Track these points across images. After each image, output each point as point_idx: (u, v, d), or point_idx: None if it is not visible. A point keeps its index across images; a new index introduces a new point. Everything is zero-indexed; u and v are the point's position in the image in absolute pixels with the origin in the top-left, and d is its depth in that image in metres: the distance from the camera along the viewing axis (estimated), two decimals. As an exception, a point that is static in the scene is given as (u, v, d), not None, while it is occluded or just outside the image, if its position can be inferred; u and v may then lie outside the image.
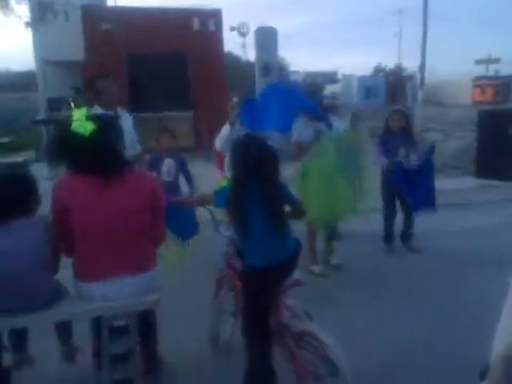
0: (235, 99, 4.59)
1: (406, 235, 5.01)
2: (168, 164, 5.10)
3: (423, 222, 5.52)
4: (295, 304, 2.71)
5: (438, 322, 3.55)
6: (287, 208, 2.61)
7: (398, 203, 5.05)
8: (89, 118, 2.29)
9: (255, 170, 2.40)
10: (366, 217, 4.49)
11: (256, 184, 2.40)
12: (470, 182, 8.49)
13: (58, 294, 2.53)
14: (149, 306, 2.71)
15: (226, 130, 4.51)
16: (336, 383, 2.31)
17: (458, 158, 11.28)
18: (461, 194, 7.39)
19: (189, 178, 5.15)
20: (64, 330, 2.82)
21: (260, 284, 2.51)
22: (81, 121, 2.26)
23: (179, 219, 4.25)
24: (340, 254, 4.70)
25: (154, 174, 5.04)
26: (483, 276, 4.09)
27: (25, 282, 2.34)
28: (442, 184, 8.24)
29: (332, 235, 4.79)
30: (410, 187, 4.77)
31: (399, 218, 5.09)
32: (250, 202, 2.40)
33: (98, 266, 2.38)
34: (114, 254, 2.35)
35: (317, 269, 4.60)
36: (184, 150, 4.61)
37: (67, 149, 2.27)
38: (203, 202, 2.86)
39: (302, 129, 4.59)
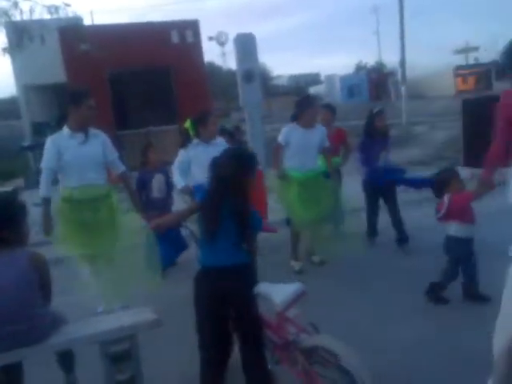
0: (188, 122, 4.54)
1: (401, 238, 4.98)
2: (158, 180, 5.04)
3: (418, 216, 5.50)
4: (298, 314, 2.63)
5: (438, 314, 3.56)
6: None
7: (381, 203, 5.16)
8: None
9: (229, 188, 2.45)
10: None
11: (230, 200, 2.45)
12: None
13: (54, 324, 2.49)
14: (149, 326, 2.67)
15: (180, 155, 4.55)
16: None
17: (445, 149, 11.33)
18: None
19: (170, 191, 5.11)
20: (65, 360, 2.76)
21: (210, 284, 2.49)
22: None
23: (166, 241, 4.28)
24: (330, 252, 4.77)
25: (145, 193, 5.01)
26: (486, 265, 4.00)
27: (17, 318, 2.28)
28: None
29: (315, 235, 4.94)
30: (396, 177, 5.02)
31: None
32: (223, 213, 2.45)
33: None
34: None
35: (296, 265, 4.71)
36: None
37: None
38: (192, 211, 2.69)
39: (288, 132, 4.57)
